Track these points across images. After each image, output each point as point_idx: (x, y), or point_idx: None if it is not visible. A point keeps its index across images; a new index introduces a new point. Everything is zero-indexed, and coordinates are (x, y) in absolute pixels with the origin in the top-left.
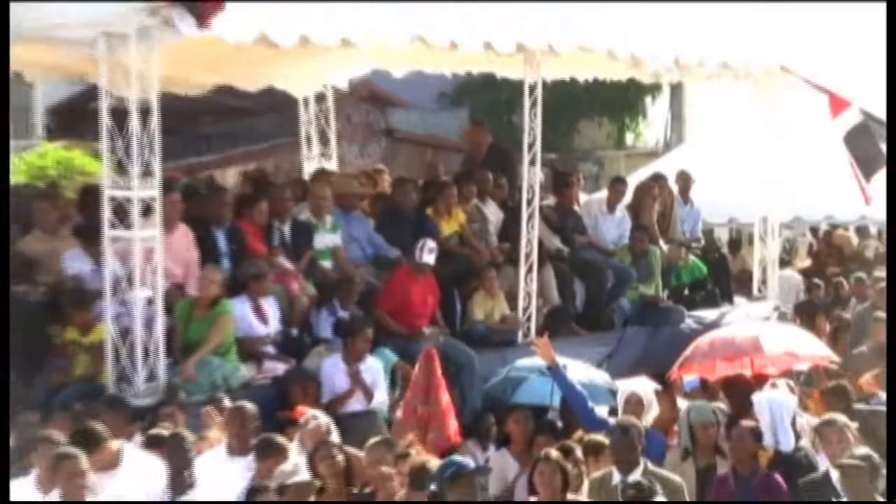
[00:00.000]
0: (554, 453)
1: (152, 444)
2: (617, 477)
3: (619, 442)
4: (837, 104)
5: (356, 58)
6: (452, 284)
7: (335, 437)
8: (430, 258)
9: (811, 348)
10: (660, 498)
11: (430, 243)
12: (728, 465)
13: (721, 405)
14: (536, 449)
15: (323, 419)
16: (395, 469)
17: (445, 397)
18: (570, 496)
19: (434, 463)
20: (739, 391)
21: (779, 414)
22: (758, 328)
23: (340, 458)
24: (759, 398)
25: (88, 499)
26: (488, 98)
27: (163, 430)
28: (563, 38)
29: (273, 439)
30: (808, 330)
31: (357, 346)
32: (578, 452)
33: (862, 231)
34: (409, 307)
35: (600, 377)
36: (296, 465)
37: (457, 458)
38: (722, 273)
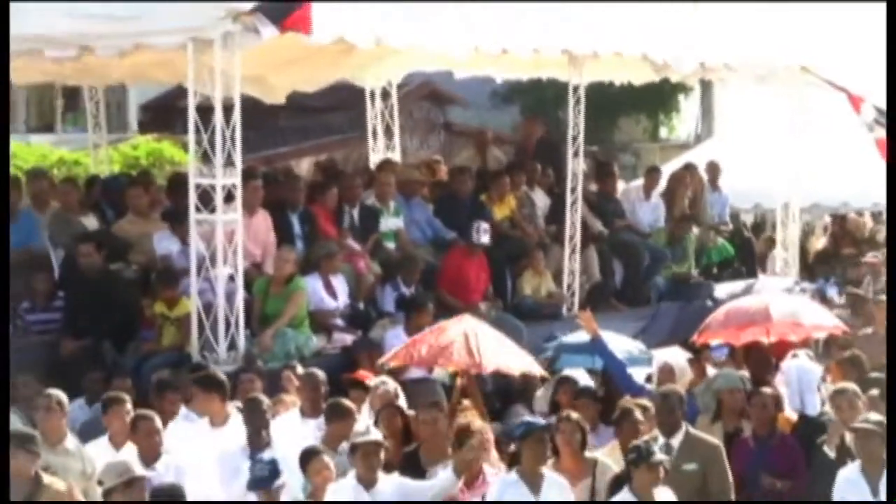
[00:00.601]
0: (574, 414)
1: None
2: (661, 440)
3: (661, 407)
4: (855, 100)
5: (418, 60)
6: (504, 263)
7: (402, 401)
8: (485, 238)
9: (817, 318)
10: (660, 456)
11: (485, 225)
12: (750, 427)
13: (745, 373)
14: (578, 410)
15: (391, 384)
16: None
17: None
18: (587, 454)
19: (479, 424)
20: (759, 359)
21: (806, 380)
22: (768, 298)
23: (399, 419)
24: (789, 365)
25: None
26: (536, 96)
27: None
28: (601, 44)
29: (341, 403)
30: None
31: (419, 319)
32: (638, 414)
33: (876, 216)
34: (465, 283)
35: (636, 347)
36: (367, 426)
37: (528, 418)
38: (748, 253)
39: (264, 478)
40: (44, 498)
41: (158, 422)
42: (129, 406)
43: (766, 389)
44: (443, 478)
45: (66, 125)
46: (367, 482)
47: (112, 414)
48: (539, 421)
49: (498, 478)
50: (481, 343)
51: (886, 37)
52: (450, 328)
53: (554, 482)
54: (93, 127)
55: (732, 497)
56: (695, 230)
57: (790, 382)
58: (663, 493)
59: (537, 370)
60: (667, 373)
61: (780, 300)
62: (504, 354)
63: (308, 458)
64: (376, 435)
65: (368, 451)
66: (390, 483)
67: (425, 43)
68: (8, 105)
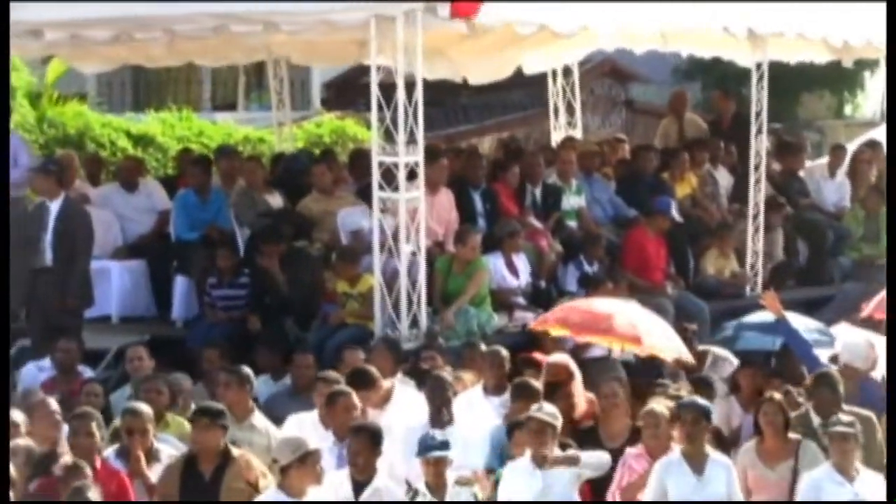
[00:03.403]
0: (777, 395)
1: (420, 380)
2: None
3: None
4: None
5: (600, 39)
6: (686, 242)
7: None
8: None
9: None
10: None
11: (673, 203)
12: None
13: None
14: (767, 388)
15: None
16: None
17: None
18: (790, 435)
19: (660, 407)
20: None
21: None
22: None
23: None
24: None
25: None
26: (718, 73)
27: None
28: (783, 25)
29: (528, 382)
30: None
31: (601, 296)
32: (797, 397)
33: None
34: (647, 262)
35: (817, 328)
36: (541, 404)
37: (696, 399)
38: None
39: (434, 445)
40: (232, 471)
41: (356, 398)
42: (338, 387)
43: None
44: (596, 455)
45: (250, 103)
46: (541, 460)
47: (320, 392)
48: (699, 401)
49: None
50: (638, 321)
51: (886, 37)
52: (601, 302)
53: (718, 463)
54: (277, 105)
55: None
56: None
57: None
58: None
59: (688, 356)
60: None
61: None
62: (659, 336)
63: (512, 431)
64: (549, 412)
65: (538, 427)
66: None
67: (597, 26)
68: (8, 104)
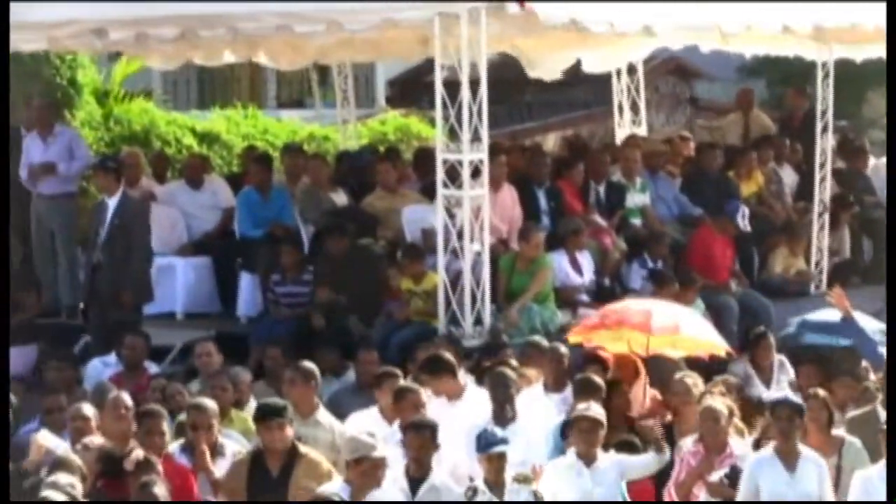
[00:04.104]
0: (821, 392)
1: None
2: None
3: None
4: None
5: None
6: (750, 240)
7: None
8: (747, 225)
9: None
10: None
11: (745, 209)
12: None
13: None
14: (836, 390)
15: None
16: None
17: None
18: (833, 432)
19: (720, 403)
20: None
21: None
22: None
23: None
24: None
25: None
26: (783, 70)
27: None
28: (860, 19)
29: (591, 379)
30: None
31: (664, 294)
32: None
33: None
34: (713, 261)
35: (880, 328)
36: (589, 403)
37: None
38: None
39: (493, 441)
40: (300, 469)
41: (423, 395)
42: (401, 382)
43: None
44: (648, 456)
45: (315, 101)
46: (587, 459)
47: (385, 388)
48: (792, 397)
49: (746, 450)
50: (703, 326)
51: (887, 37)
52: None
53: (810, 460)
54: (342, 102)
55: None
56: None
57: None
58: None
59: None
60: None
61: None
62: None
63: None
64: (597, 411)
65: (588, 427)
66: (609, 460)
67: (668, 26)
68: (7, 105)
